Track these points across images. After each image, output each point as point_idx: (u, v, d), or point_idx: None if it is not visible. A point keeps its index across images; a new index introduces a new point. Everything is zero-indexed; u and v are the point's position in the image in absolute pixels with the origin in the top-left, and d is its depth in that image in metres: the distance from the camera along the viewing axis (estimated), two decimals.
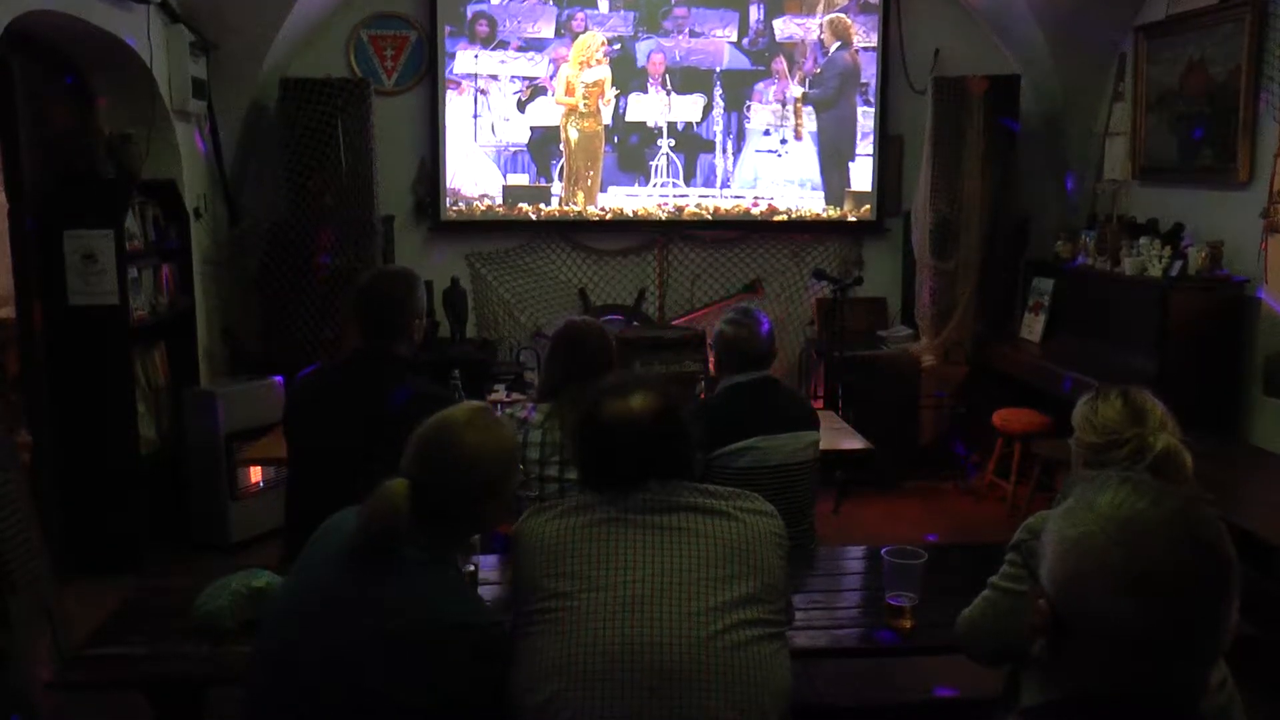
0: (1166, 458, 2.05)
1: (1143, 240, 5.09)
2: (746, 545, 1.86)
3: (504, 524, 2.05)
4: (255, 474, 5.17)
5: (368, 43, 6.12)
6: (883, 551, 2.49)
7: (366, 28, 6.11)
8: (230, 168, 5.78)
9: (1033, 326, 5.92)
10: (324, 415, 2.91)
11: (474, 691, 1.80)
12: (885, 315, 6.53)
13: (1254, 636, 2.50)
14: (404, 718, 1.74)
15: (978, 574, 2.23)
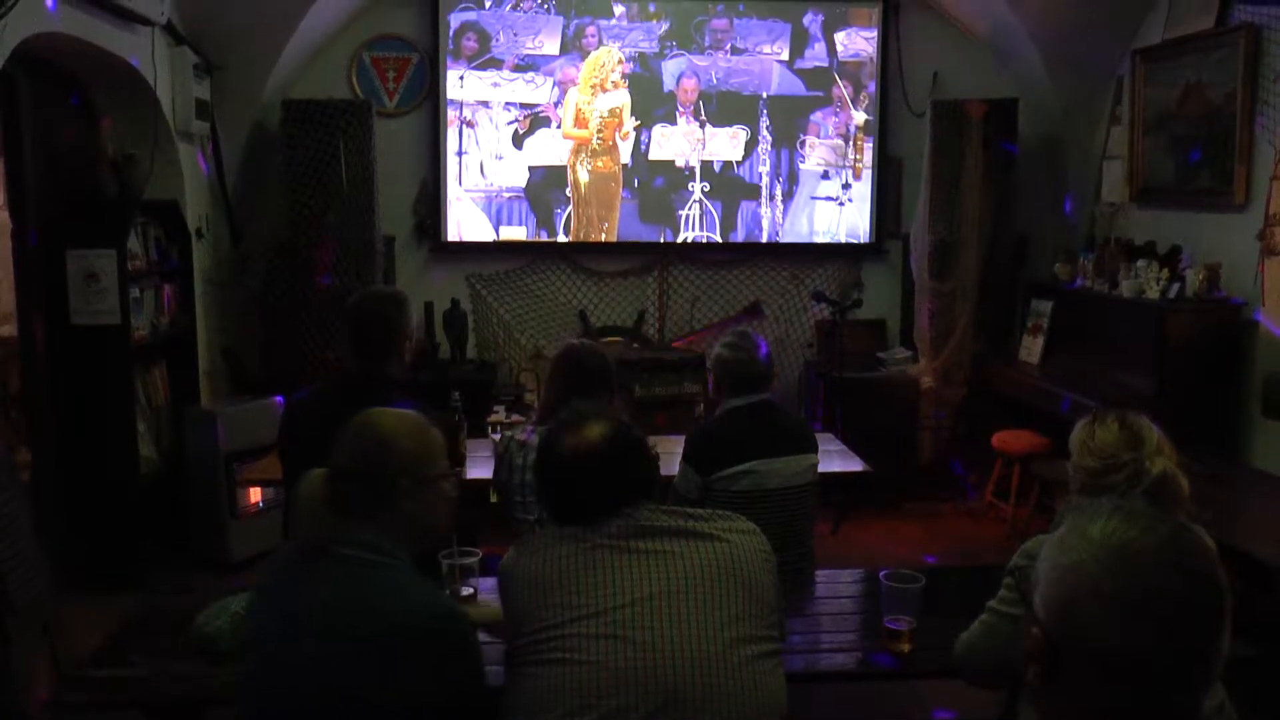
0: (1163, 482, 2.07)
1: (1140, 262, 5.11)
2: (735, 565, 1.86)
3: (445, 526, 2.04)
4: (255, 494, 5.18)
5: (370, 64, 6.15)
6: (880, 575, 2.49)
7: (368, 49, 6.14)
8: (232, 188, 5.81)
9: (1031, 348, 5.93)
10: (319, 438, 2.91)
11: (444, 687, 1.77)
12: (884, 337, 6.54)
13: (1253, 658, 2.51)
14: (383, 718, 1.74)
15: (976, 597, 2.24)
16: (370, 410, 1.97)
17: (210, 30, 5.30)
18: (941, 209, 5.95)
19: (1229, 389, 4.70)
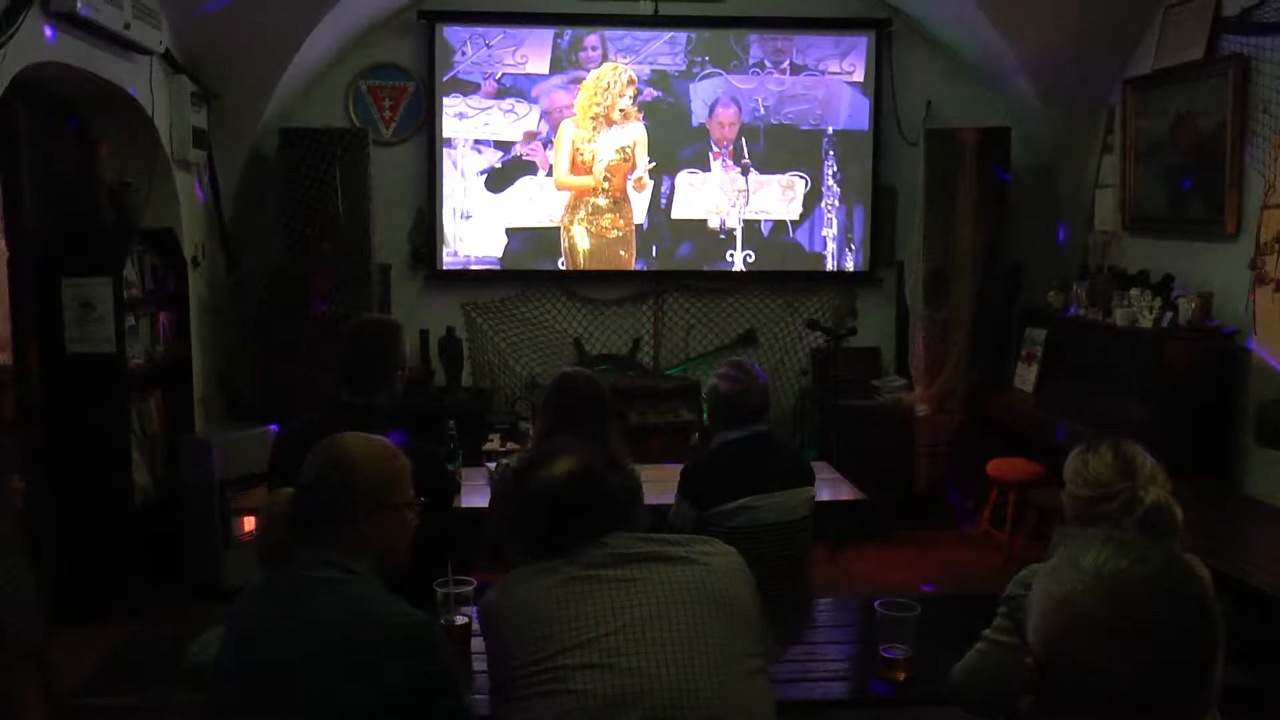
0: (1157, 511, 2.09)
1: (1133, 291, 5.14)
2: (713, 585, 1.89)
3: (405, 554, 2.04)
4: (249, 521, 5.16)
5: (366, 93, 6.18)
6: (876, 604, 2.50)
7: (365, 78, 6.18)
8: (229, 216, 5.84)
9: (1026, 376, 5.95)
10: None
11: (416, 688, 1.79)
12: (879, 365, 6.55)
13: (1251, 686, 2.51)
14: None
15: (972, 626, 2.25)
16: (339, 434, 2.00)
17: (208, 59, 5.35)
18: (935, 237, 5.97)
19: (1223, 417, 4.71)
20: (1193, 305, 4.78)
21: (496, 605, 1.91)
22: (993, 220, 6.00)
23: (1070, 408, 5.26)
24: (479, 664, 2.50)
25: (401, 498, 2.00)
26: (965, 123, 6.08)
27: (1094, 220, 6.06)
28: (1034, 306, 6.17)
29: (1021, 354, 6.06)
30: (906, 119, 6.38)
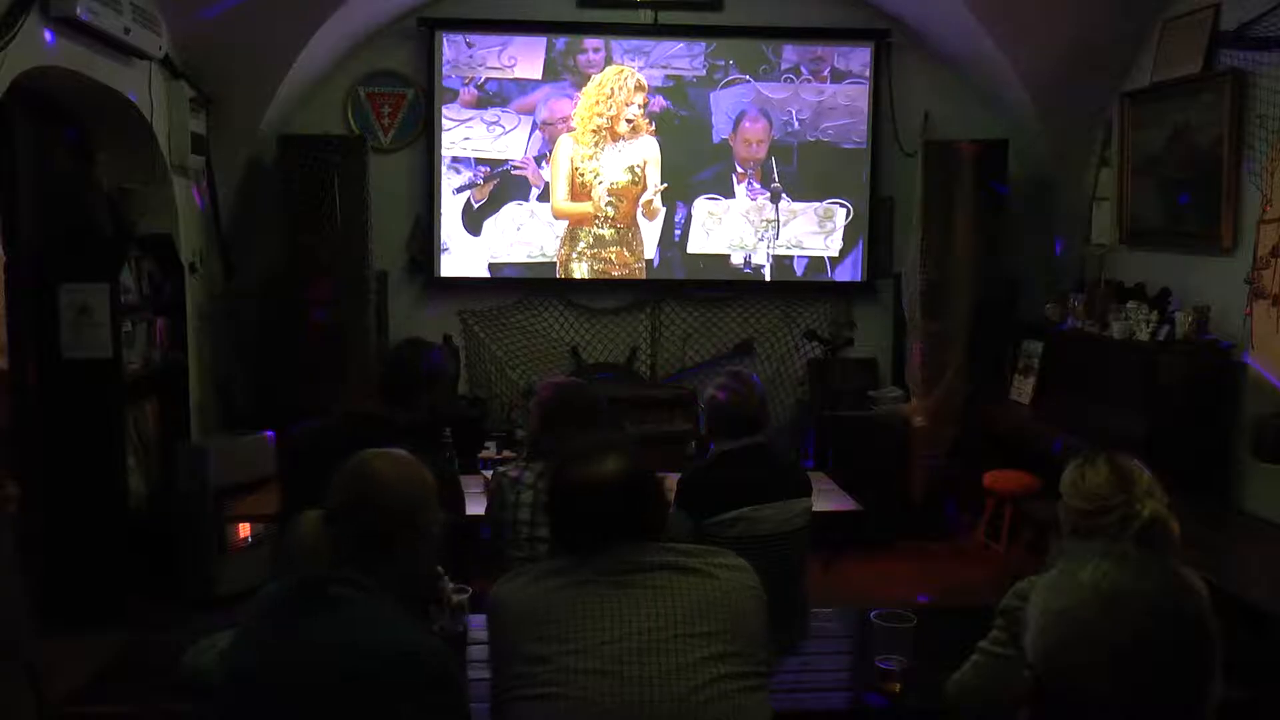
0: (1154, 524, 2.09)
1: (1130, 304, 5.15)
2: (722, 600, 1.88)
3: (430, 570, 2.07)
4: (244, 529, 5.15)
5: (365, 100, 6.19)
6: (871, 615, 2.50)
7: (364, 85, 6.18)
8: (226, 222, 5.84)
9: (1023, 388, 5.96)
10: (323, 475, 2.89)
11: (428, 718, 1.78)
12: (876, 376, 6.55)
13: (1246, 701, 2.51)
14: None
15: (968, 637, 2.25)
16: (365, 453, 1.98)
17: (207, 65, 5.36)
18: (933, 249, 5.98)
19: (1219, 431, 4.71)
20: (1189, 319, 4.79)
21: (504, 597, 1.90)
22: (990, 232, 6.00)
23: (1067, 420, 5.26)
24: (474, 672, 2.50)
25: (430, 518, 1.98)
26: (963, 135, 6.10)
27: (1091, 233, 6.07)
28: (1031, 319, 6.17)
29: (1018, 366, 6.06)
30: (904, 130, 6.40)
